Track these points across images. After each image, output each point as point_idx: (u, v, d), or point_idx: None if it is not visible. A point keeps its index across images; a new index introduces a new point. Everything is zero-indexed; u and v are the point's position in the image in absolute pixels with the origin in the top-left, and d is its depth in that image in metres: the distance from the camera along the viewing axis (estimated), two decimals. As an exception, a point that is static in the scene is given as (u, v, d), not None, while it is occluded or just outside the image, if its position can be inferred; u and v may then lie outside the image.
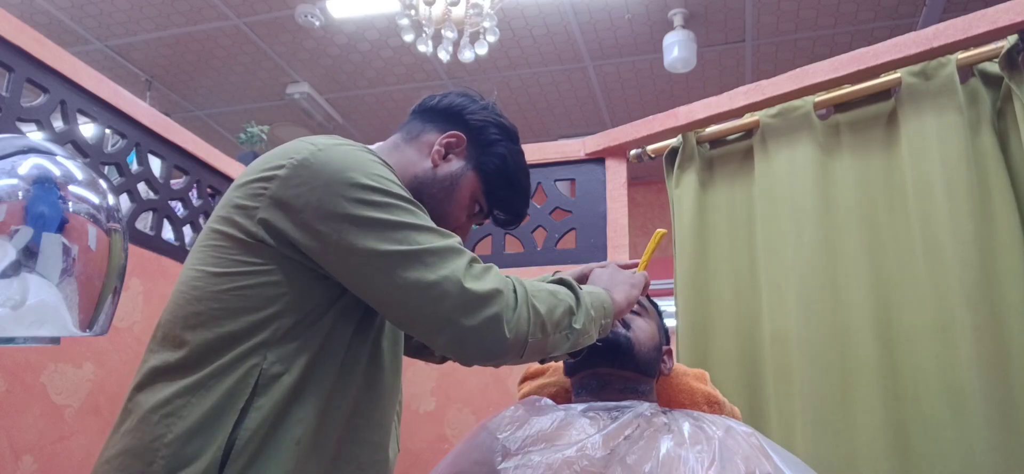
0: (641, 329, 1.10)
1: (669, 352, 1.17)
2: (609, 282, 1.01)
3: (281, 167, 0.81)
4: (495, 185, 1.01)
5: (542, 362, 0.91)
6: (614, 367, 1.07)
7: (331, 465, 0.81)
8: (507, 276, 0.83)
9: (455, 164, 0.99)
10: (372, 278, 0.78)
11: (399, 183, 0.85)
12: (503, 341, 0.77)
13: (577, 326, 0.86)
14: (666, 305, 1.35)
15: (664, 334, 1.19)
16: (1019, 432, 1.15)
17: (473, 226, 1.07)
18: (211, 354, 0.77)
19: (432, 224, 0.83)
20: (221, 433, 0.74)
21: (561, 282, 0.91)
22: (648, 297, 1.20)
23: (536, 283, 0.87)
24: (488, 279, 0.79)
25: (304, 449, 0.78)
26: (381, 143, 1.04)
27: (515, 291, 0.81)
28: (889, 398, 1.29)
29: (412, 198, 0.84)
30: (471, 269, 0.79)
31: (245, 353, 0.77)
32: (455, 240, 0.82)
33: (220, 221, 0.83)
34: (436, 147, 0.98)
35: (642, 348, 1.08)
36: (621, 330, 1.08)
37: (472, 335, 0.77)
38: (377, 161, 0.85)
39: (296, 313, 0.80)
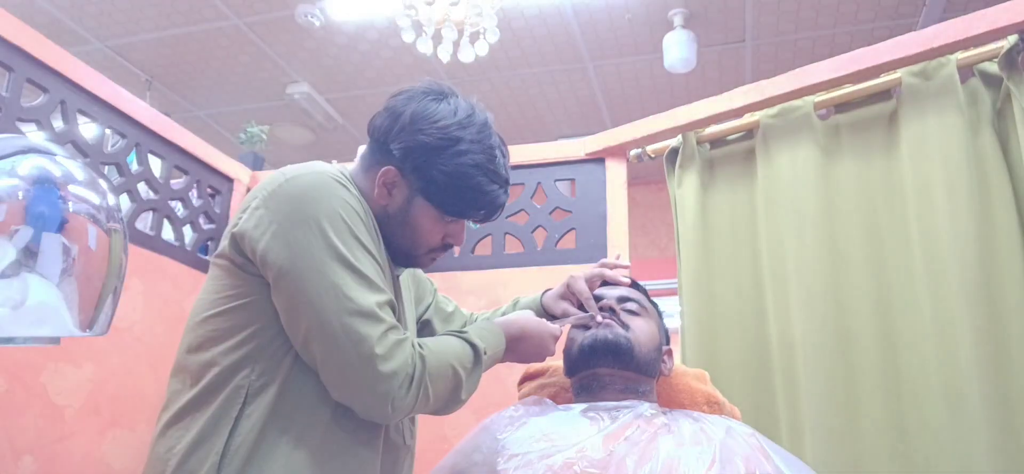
0: (641, 329, 1.10)
1: (669, 353, 1.17)
2: (517, 344, 1.06)
3: (256, 197, 0.89)
4: (446, 201, 0.95)
5: None
6: (614, 367, 1.07)
7: (318, 454, 0.87)
8: (414, 350, 0.86)
9: (398, 197, 0.96)
10: (293, 313, 0.84)
11: (355, 220, 0.88)
12: (386, 417, 0.85)
13: (462, 397, 0.94)
14: (668, 305, 1.35)
15: (664, 334, 1.19)
16: (1019, 432, 1.15)
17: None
18: (207, 373, 0.87)
19: (370, 275, 0.85)
20: (218, 443, 0.83)
21: (474, 348, 0.96)
22: (648, 297, 1.20)
23: (448, 351, 0.92)
24: (393, 359, 0.83)
25: (290, 442, 0.85)
26: (353, 167, 1.01)
27: (413, 375, 0.85)
28: (891, 400, 1.29)
29: (362, 241, 0.87)
30: (382, 341, 0.82)
31: (234, 369, 0.86)
32: (379, 300, 0.85)
33: (218, 250, 0.93)
34: (376, 188, 0.95)
35: (642, 349, 1.08)
36: (621, 331, 1.08)
37: (359, 405, 0.85)
38: (344, 194, 0.88)
39: (274, 328, 0.87)
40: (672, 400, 1.15)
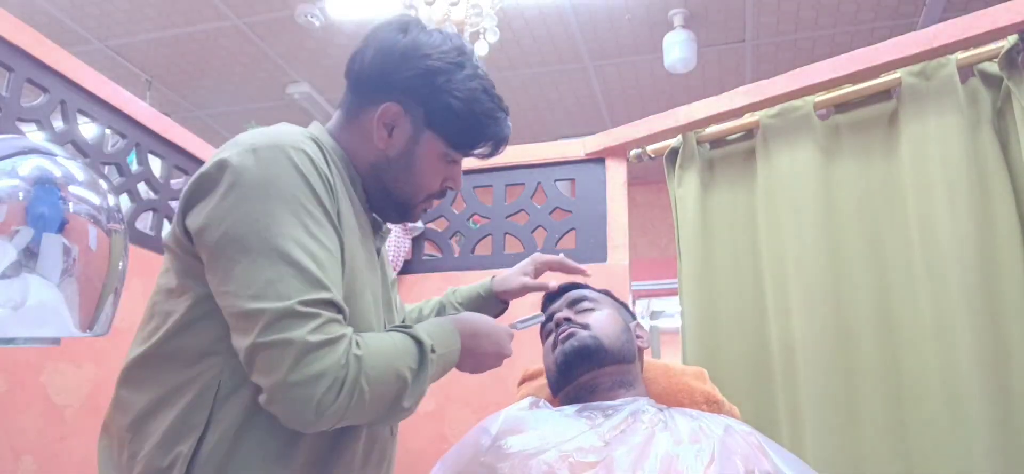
0: (601, 322, 1.10)
1: (639, 326, 1.18)
2: (475, 343, 0.91)
3: (199, 170, 0.79)
4: (458, 130, 0.89)
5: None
6: (593, 369, 1.07)
7: (296, 452, 0.80)
8: (349, 350, 0.73)
9: (400, 137, 0.88)
10: (220, 292, 0.74)
11: (311, 196, 0.77)
12: (310, 424, 0.72)
13: (406, 405, 0.79)
14: (669, 305, 1.35)
15: (627, 311, 1.20)
16: (1019, 432, 1.15)
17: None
18: (173, 369, 0.78)
19: (308, 266, 0.73)
20: (186, 445, 0.75)
21: (420, 346, 0.81)
22: (595, 288, 1.21)
23: (390, 351, 0.78)
24: (321, 357, 0.70)
25: (268, 453, 0.78)
26: (332, 122, 0.95)
27: (345, 378, 0.72)
28: (891, 399, 1.29)
29: (310, 229, 0.76)
30: (311, 339, 0.70)
31: (202, 368, 0.78)
32: (316, 296, 0.72)
33: (169, 235, 0.83)
34: (376, 131, 0.88)
35: (610, 339, 1.08)
36: (583, 332, 1.08)
37: (280, 409, 0.71)
38: (298, 174, 0.77)
39: None
40: (671, 399, 1.15)
